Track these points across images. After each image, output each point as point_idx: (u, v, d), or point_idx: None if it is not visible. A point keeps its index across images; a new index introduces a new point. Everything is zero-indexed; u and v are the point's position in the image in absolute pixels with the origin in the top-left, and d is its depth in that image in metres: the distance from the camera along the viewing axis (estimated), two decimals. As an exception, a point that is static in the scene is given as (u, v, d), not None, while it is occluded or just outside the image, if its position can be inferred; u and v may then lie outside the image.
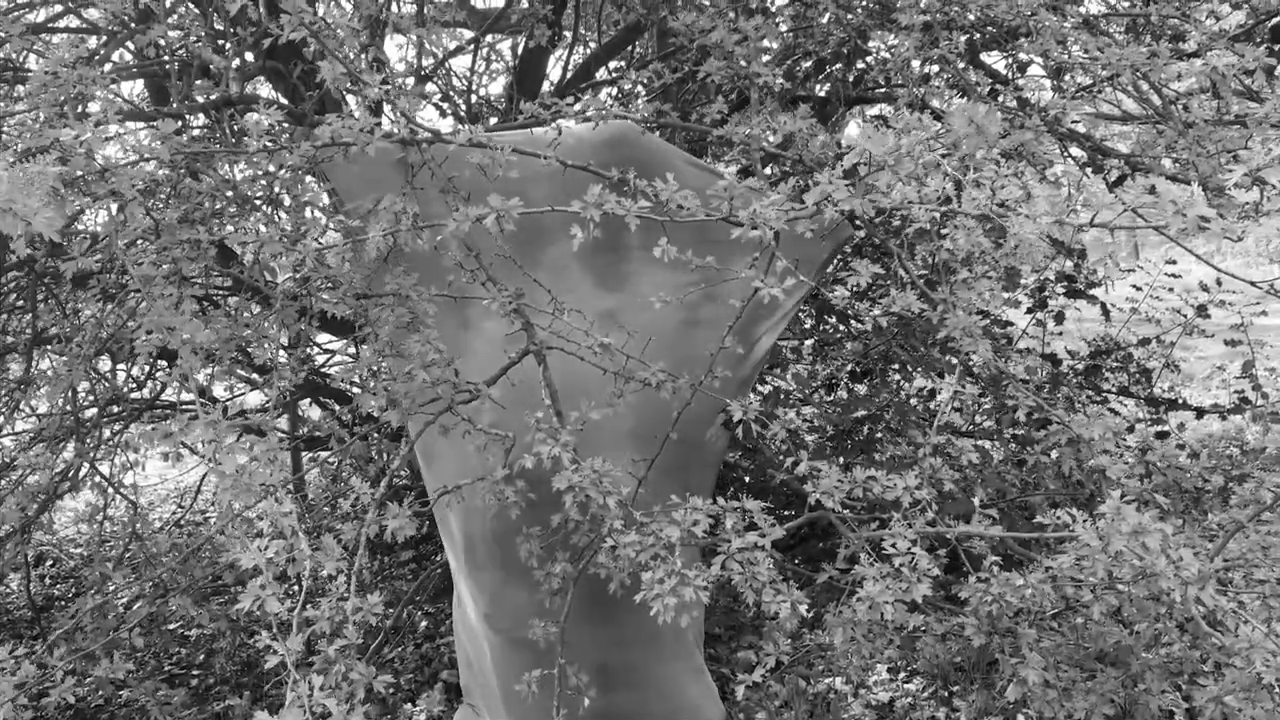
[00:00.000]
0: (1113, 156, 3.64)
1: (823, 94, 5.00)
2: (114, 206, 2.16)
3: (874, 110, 5.84)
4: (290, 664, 1.84)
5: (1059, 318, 5.14)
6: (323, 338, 5.71)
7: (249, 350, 2.71)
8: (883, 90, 5.02)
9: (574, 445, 2.48)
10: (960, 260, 2.80)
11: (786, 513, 4.67)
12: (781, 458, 4.14)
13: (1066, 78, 3.79)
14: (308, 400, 6.40)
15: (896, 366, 4.84)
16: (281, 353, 4.88)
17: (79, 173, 2.02)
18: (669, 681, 3.61)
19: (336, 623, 2.08)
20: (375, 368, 2.57)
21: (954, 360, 2.58)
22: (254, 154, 2.29)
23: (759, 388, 4.78)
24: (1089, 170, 4.52)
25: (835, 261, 5.54)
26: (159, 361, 4.58)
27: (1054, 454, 3.06)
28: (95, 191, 2.04)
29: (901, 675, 3.86)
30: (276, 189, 2.89)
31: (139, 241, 2.72)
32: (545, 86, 5.31)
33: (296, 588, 2.01)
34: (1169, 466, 2.84)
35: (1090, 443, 2.62)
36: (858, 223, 4.94)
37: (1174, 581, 2.13)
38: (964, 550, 2.72)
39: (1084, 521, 2.24)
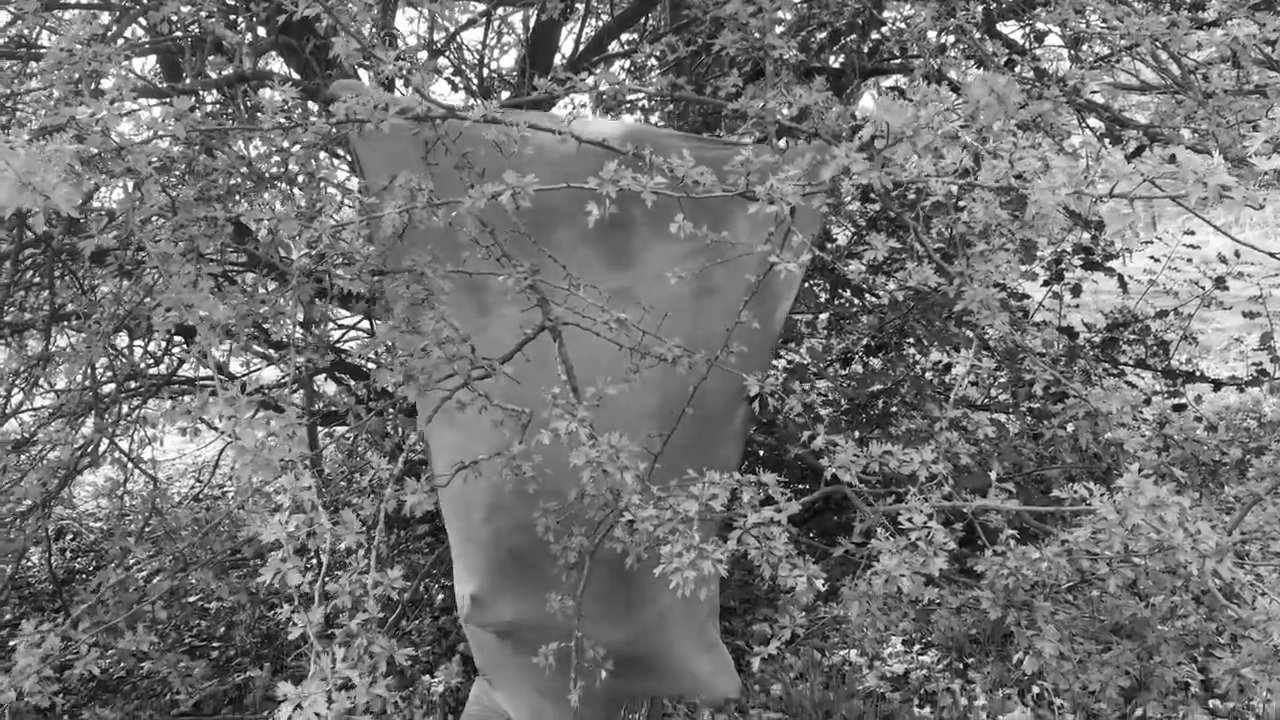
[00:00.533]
0: (1131, 127, 3.61)
1: (837, 66, 4.96)
2: (130, 184, 2.17)
3: (889, 82, 5.80)
4: (313, 636, 1.86)
5: (1076, 290, 5.11)
6: (339, 313, 5.73)
7: (265, 327, 2.72)
8: (898, 61, 4.98)
9: (590, 421, 2.49)
10: (977, 233, 2.78)
11: (803, 487, 4.67)
12: (798, 432, 4.15)
13: (1084, 47, 3.76)
14: (323, 376, 6.42)
15: (912, 340, 4.83)
16: (299, 330, 4.90)
17: (95, 150, 2.03)
18: (680, 658, 3.62)
19: (357, 596, 2.10)
20: (391, 343, 2.58)
21: (970, 334, 2.57)
22: (269, 130, 2.29)
23: (774, 363, 4.77)
24: (1107, 141, 4.48)
25: (850, 235, 5.53)
26: (176, 337, 4.60)
27: (1071, 427, 3.05)
28: (111, 169, 2.04)
29: (916, 648, 3.87)
30: (291, 166, 2.90)
31: (155, 219, 2.73)
32: (558, 60, 5.28)
33: (315, 562, 2.02)
34: (1186, 439, 2.83)
35: (1107, 416, 2.62)
36: (874, 196, 4.92)
37: (1191, 554, 2.13)
38: (980, 524, 2.72)
39: (1101, 495, 2.24)
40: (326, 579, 2.05)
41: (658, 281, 3.35)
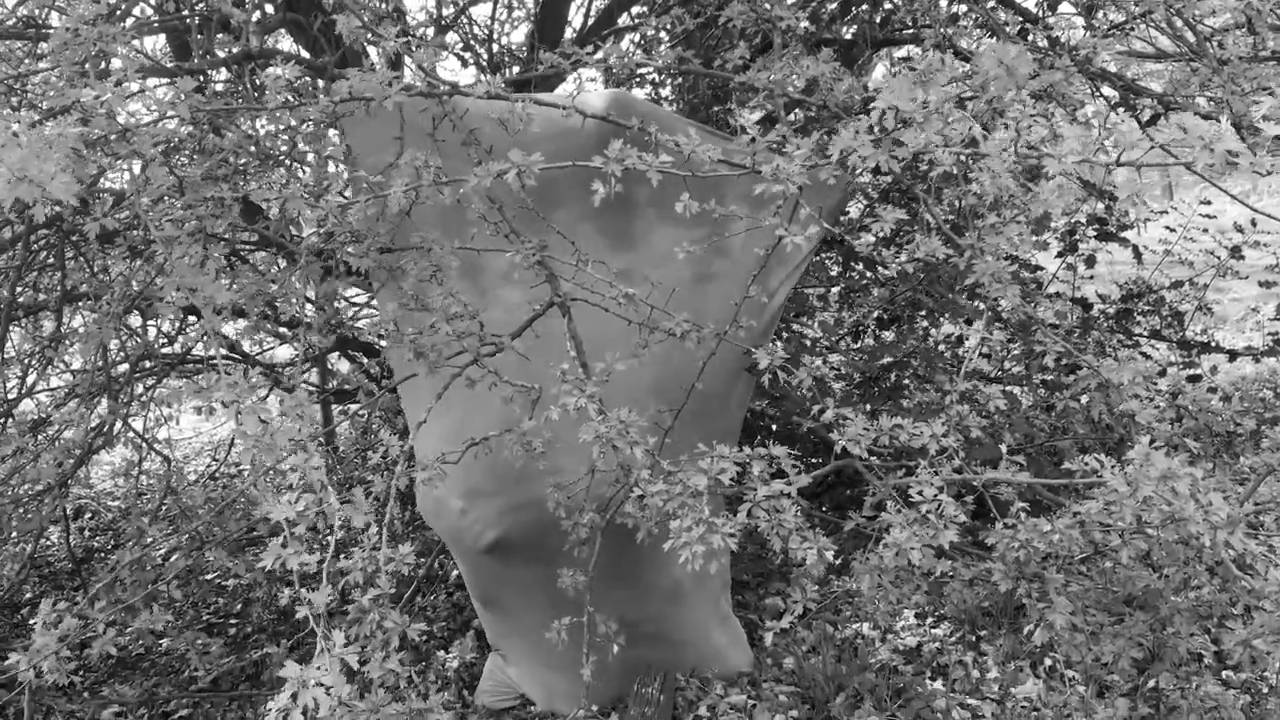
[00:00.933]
0: (1146, 95, 3.57)
1: (849, 36, 4.92)
2: (137, 165, 2.17)
3: (901, 52, 5.75)
4: (315, 616, 1.87)
5: (1090, 261, 5.07)
6: (350, 291, 5.74)
7: (276, 305, 2.72)
8: (910, 32, 4.93)
9: (600, 396, 2.49)
10: (988, 205, 2.76)
11: (814, 460, 4.67)
12: (808, 405, 4.14)
13: (1099, 15, 3.71)
14: (336, 354, 6.44)
15: (924, 313, 4.81)
16: (309, 308, 4.92)
17: (100, 133, 2.03)
18: (692, 632, 3.64)
19: (369, 573, 2.11)
20: (400, 319, 2.58)
21: (981, 306, 2.56)
22: (275, 109, 2.28)
23: (783, 335, 4.76)
24: (1121, 110, 4.44)
25: (861, 208, 5.50)
26: (189, 317, 4.62)
27: (1083, 399, 3.04)
28: (117, 151, 2.04)
29: (929, 620, 3.88)
30: (299, 144, 2.90)
31: (165, 199, 2.73)
32: (568, 34, 5.26)
33: (331, 539, 2.04)
34: (1200, 410, 2.81)
35: (1120, 387, 2.60)
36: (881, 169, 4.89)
37: (1203, 526, 2.12)
38: (991, 497, 2.72)
39: (1112, 467, 2.23)
40: (337, 558, 2.06)
41: (660, 264, 3.35)
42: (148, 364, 4.66)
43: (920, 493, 2.34)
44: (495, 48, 5.80)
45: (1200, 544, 2.21)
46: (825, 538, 2.26)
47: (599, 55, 2.92)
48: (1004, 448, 2.49)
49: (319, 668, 1.85)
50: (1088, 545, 2.58)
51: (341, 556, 2.13)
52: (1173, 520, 2.17)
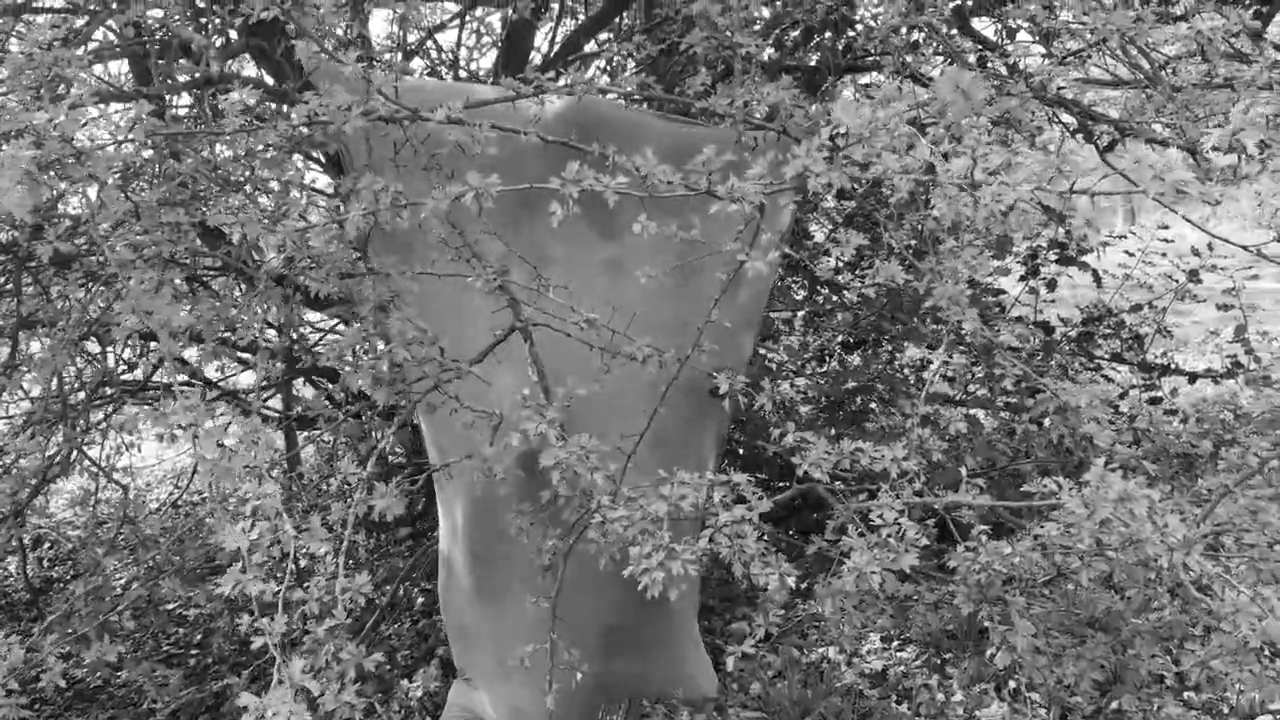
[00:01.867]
0: (1102, 122, 3.62)
1: (813, 63, 4.96)
2: (93, 190, 2.15)
3: (865, 79, 5.80)
4: (274, 646, 1.84)
5: (1051, 285, 5.13)
6: (315, 316, 5.70)
7: (235, 330, 2.70)
8: (873, 59, 4.98)
9: (560, 422, 2.48)
10: (946, 229, 2.78)
11: (780, 485, 4.67)
12: (771, 429, 4.15)
13: (1055, 43, 3.77)
14: (301, 379, 6.39)
15: (888, 338, 4.84)
16: (271, 332, 4.87)
17: (55, 156, 2.01)
18: (671, 648, 3.62)
19: (326, 603, 2.09)
20: (360, 346, 2.56)
21: (943, 329, 2.58)
22: (232, 134, 2.27)
23: (756, 355, 4.77)
24: (1079, 136, 4.50)
25: (825, 233, 5.53)
26: (149, 343, 4.57)
27: (1045, 422, 3.06)
28: (71, 175, 2.02)
29: (895, 644, 3.88)
30: (259, 169, 2.88)
31: (123, 224, 2.71)
32: (534, 59, 5.28)
33: (293, 568, 2.01)
34: (1157, 432, 2.84)
35: (1078, 410, 2.62)
36: (849, 194, 4.92)
37: (1160, 548, 2.14)
38: (953, 520, 2.72)
39: (1070, 490, 2.24)
40: (294, 586, 2.03)
41: (647, 254, 3.35)
42: (107, 391, 4.61)
43: (881, 516, 2.35)
44: (462, 73, 5.81)
45: (1159, 566, 2.22)
46: (788, 563, 2.26)
47: (562, 81, 2.92)
48: (964, 471, 2.50)
49: (278, 698, 1.82)
50: (1049, 568, 2.60)
51: (304, 586, 2.11)
52: (1131, 542, 2.18)
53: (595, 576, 3.26)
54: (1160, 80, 3.55)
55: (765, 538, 2.35)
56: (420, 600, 4.94)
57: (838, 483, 2.61)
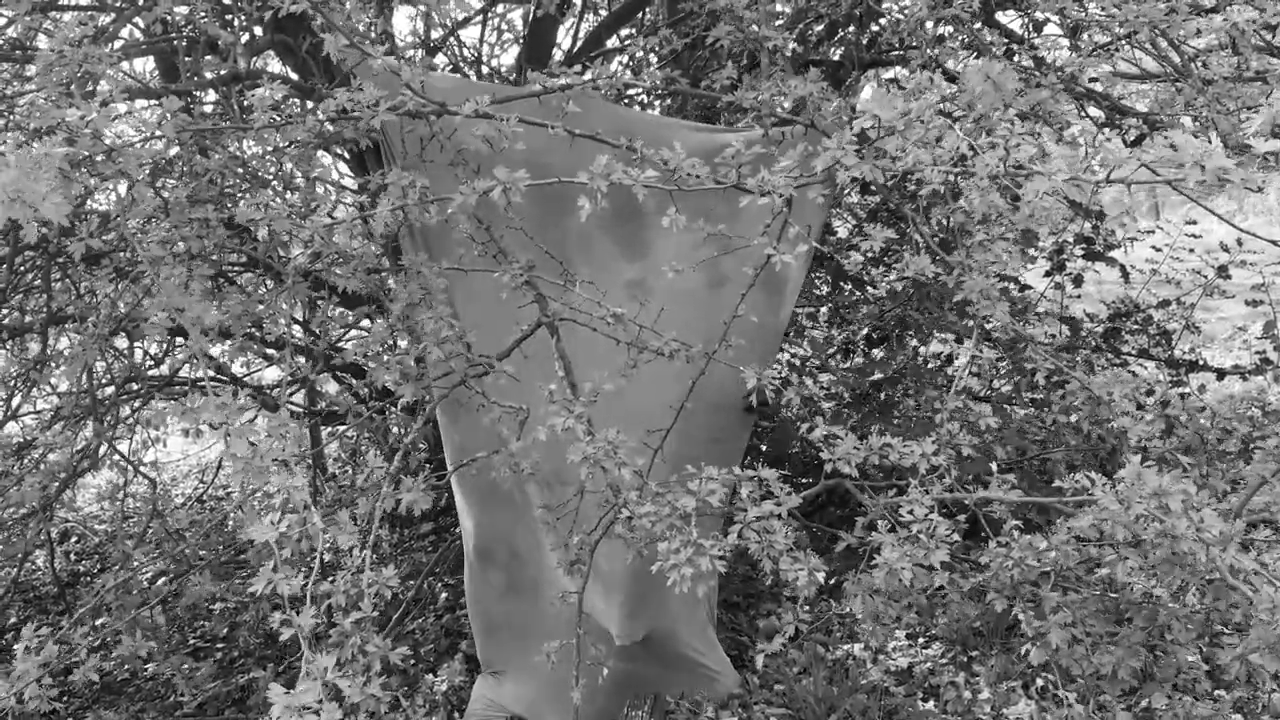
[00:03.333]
0: (1131, 115, 3.59)
1: (836, 58, 4.94)
2: (123, 186, 2.16)
3: (889, 74, 5.77)
4: (304, 639, 1.84)
5: (1078, 281, 5.08)
6: (337, 313, 5.72)
7: (262, 326, 2.71)
8: (897, 53, 4.96)
9: (589, 417, 2.47)
10: (976, 222, 2.76)
11: (804, 480, 4.66)
12: (798, 425, 4.13)
13: (1084, 36, 3.73)
14: (326, 375, 6.41)
15: (912, 331, 4.81)
16: (297, 329, 4.89)
17: (86, 153, 2.01)
18: (690, 635, 3.62)
19: (353, 596, 2.09)
20: (388, 342, 2.56)
21: (971, 323, 2.56)
22: (260, 129, 2.27)
23: (779, 354, 4.75)
24: (1106, 130, 4.46)
25: (850, 227, 5.51)
26: (176, 339, 4.60)
27: (1073, 416, 3.03)
28: (103, 171, 2.03)
29: (920, 641, 3.86)
30: (287, 165, 2.89)
31: (153, 220, 2.72)
32: (556, 56, 5.27)
33: (316, 560, 2.01)
34: (1190, 419, 2.80)
35: (1110, 403, 2.60)
36: (874, 189, 4.89)
37: (1196, 544, 2.11)
38: (984, 515, 2.70)
39: (1103, 485, 2.22)
40: (322, 580, 2.04)
41: (673, 270, 3.34)
42: (134, 386, 4.64)
43: (911, 512, 2.33)
44: (484, 69, 5.81)
45: (1194, 560, 2.20)
46: (817, 558, 2.25)
47: (586, 76, 2.92)
48: (994, 465, 2.48)
49: (305, 691, 1.83)
50: (1083, 559, 2.56)
51: (330, 580, 2.11)
52: (1166, 537, 2.16)
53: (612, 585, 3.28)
54: (1191, 73, 3.51)
55: (793, 533, 2.33)
56: (444, 595, 4.95)
57: (865, 479, 2.59)
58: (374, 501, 2.24)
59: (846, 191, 4.94)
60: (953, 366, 4.80)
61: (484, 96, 2.32)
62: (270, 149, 2.60)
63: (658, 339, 2.67)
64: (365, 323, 5.67)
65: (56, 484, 3.78)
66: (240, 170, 2.74)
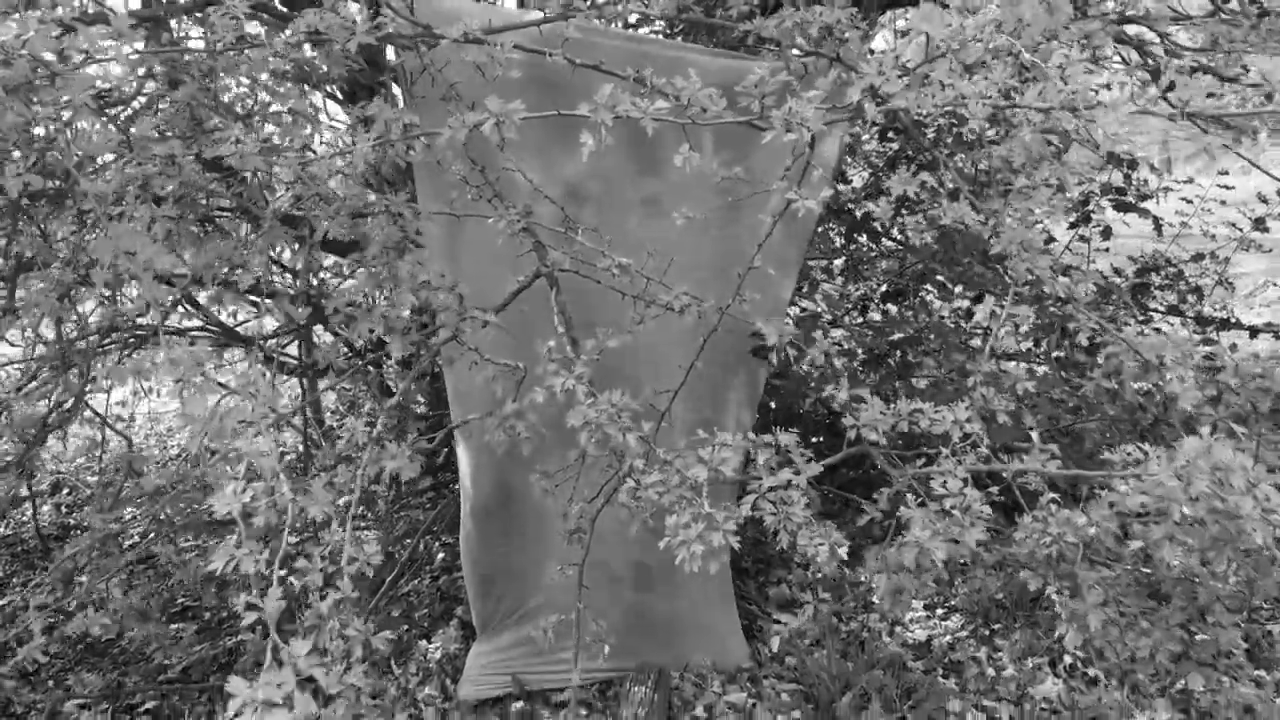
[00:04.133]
0: (1182, 53, 3.33)
1: (854, -5, 4.65)
2: (66, 115, 1.92)
3: (909, 16, 5.47)
4: (271, 624, 1.64)
5: (1106, 234, 4.83)
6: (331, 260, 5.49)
7: (242, 272, 2.49)
8: (919, -9, 4.67)
9: (589, 377, 2.26)
10: (1015, 168, 2.53)
11: (815, 440, 4.44)
12: (813, 385, 3.90)
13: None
14: (320, 326, 6.19)
15: (930, 286, 4.57)
16: (289, 277, 4.66)
17: (22, 80, 1.79)
18: (702, 591, 3.44)
19: (330, 574, 1.89)
20: (376, 292, 2.34)
21: (1010, 277, 2.33)
22: (220, 53, 2.04)
23: (792, 309, 4.52)
24: (1141, 72, 4.19)
25: (866, 176, 5.24)
26: (166, 286, 4.37)
27: (1113, 378, 2.81)
28: (42, 99, 1.80)
29: (940, 612, 3.67)
30: (261, 95, 2.65)
31: (120, 158, 2.49)
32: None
33: (284, 534, 1.81)
34: (1244, 385, 2.58)
35: (1160, 367, 2.38)
36: (893, 133, 4.63)
37: (1259, 523, 1.91)
38: (1018, 486, 2.49)
39: (1158, 458, 2.01)
40: (295, 555, 1.84)
41: (688, 190, 3.11)
42: (117, 334, 4.42)
43: (944, 485, 2.12)
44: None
45: (1248, 537, 1.99)
46: (836, 531, 2.04)
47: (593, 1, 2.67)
48: (1035, 435, 2.26)
49: (272, 683, 1.63)
50: (1124, 539, 2.37)
51: (305, 554, 1.91)
52: (1226, 516, 1.95)
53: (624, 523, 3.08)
54: (1245, 9, 3.25)
55: (812, 504, 2.13)
56: (441, 555, 4.76)
57: (889, 446, 2.38)
58: (356, 470, 2.04)
59: (865, 137, 4.68)
60: (973, 321, 4.57)
61: (474, 21, 2.08)
62: (246, 81, 2.36)
63: (666, 292, 2.45)
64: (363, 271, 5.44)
65: (26, 443, 3.59)
66: (211, 104, 2.50)
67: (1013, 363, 3.98)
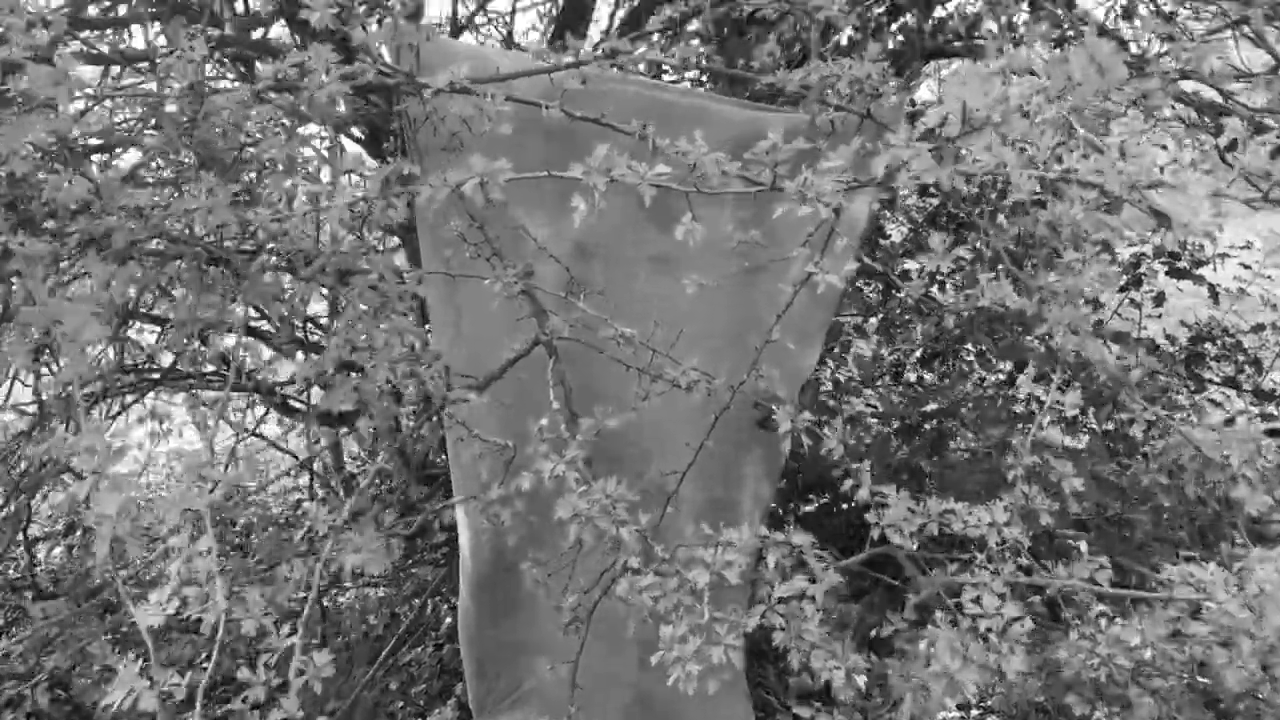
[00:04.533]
0: (1242, 115, 3.09)
1: (895, 46, 4.45)
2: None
3: (952, 67, 5.26)
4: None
5: (1159, 300, 4.56)
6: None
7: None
8: (961, 44, 4.46)
9: (585, 459, 2.04)
10: (1063, 239, 2.29)
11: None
12: (836, 464, 3.63)
13: (1181, 19, 3.24)
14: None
15: (971, 349, 4.31)
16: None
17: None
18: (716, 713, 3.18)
19: (272, 686, 1.67)
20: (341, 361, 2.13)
21: (1062, 355, 2.08)
22: (174, 97, 1.86)
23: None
24: (1201, 131, 3.94)
25: (905, 232, 5.01)
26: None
27: (1169, 473, 2.55)
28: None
29: (974, 712, 3.38)
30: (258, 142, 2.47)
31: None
32: (595, 33, 4.85)
33: (216, 639, 1.59)
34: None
35: (1224, 466, 2.12)
36: (934, 190, 4.40)
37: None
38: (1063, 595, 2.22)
39: (1222, 581, 1.75)
40: (238, 665, 1.62)
41: (702, 250, 2.88)
42: (128, 378, 4.28)
43: (978, 600, 1.87)
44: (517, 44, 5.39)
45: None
46: (856, 655, 1.80)
47: (601, 50, 2.47)
48: (1084, 547, 2.01)
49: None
50: (1186, 661, 2.10)
51: (249, 661, 1.70)
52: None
53: (623, 636, 2.85)
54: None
55: (829, 616, 1.90)
56: (448, 620, 4.54)
57: (919, 546, 2.13)
58: (313, 564, 1.82)
59: (906, 194, 4.46)
60: (1014, 388, 4.30)
61: (463, 66, 1.88)
62: (225, 125, 2.17)
63: (674, 366, 2.23)
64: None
65: (21, 497, 3.43)
66: (198, 148, 2.33)
67: (1056, 431, 3.69)
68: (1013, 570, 1.96)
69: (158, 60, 1.90)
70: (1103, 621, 2.08)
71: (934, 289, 3.49)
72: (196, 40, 1.78)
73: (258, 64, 1.88)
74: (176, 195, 2.23)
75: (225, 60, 2.98)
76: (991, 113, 1.41)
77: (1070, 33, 3.27)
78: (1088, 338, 2.07)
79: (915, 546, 2.03)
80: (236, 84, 1.94)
